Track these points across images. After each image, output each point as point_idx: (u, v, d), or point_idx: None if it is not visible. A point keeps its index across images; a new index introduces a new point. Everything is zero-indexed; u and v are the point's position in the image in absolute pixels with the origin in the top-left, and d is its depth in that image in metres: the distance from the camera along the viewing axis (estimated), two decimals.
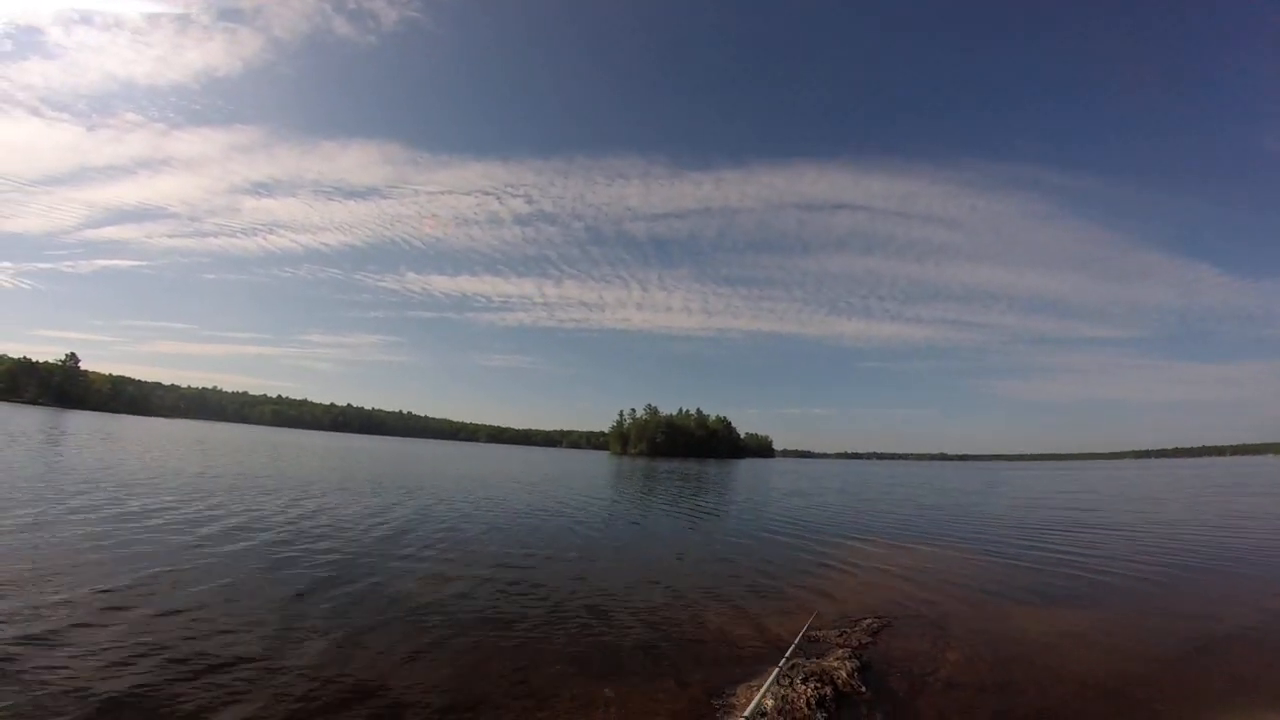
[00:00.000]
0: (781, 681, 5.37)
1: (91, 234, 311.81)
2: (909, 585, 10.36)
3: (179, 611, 6.71)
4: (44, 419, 63.71)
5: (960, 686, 5.75)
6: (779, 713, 4.83)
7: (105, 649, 5.51)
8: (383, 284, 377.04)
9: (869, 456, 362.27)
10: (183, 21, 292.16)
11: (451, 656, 6.00)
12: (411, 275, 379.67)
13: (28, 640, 5.56)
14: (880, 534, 16.97)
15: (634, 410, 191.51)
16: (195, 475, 21.73)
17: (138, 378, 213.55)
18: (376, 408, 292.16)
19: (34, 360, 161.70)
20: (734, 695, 5.27)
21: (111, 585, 7.46)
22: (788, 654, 5.81)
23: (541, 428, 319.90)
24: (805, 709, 4.91)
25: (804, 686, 5.26)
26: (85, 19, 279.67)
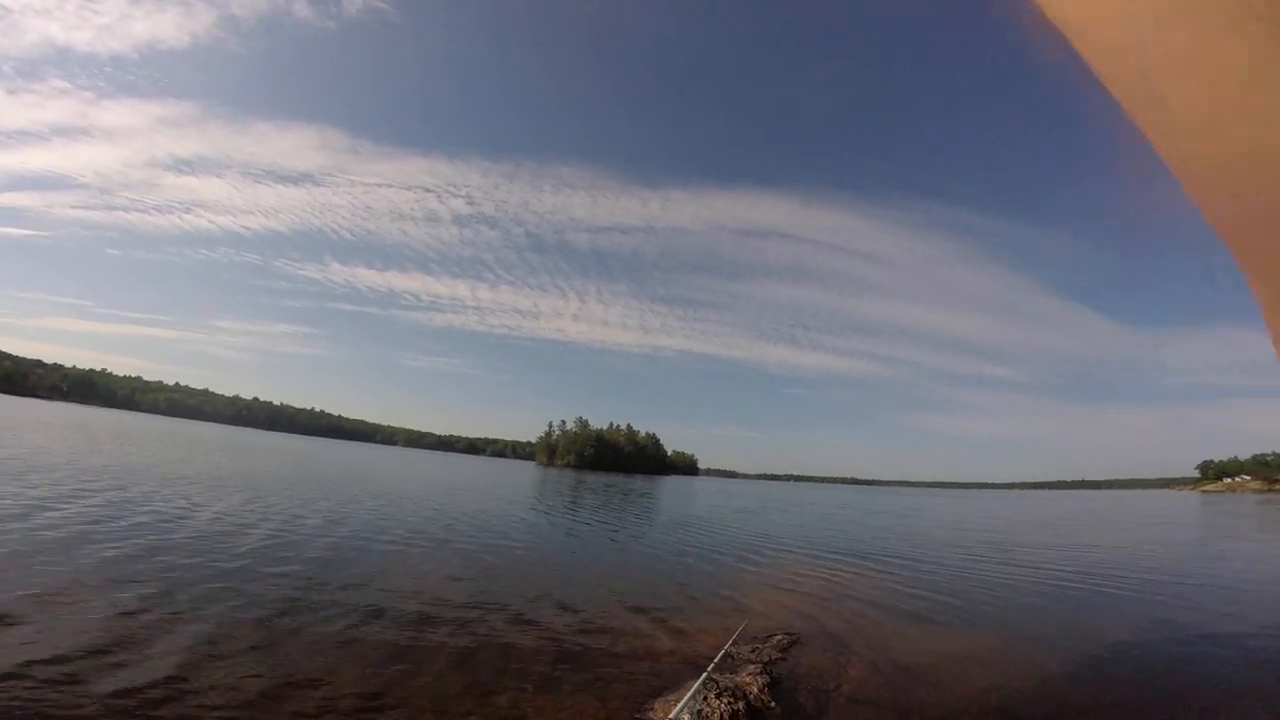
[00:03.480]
0: (697, 697, 5.52)
1: None
2: (821, 602, 10.80)
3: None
4: None
5: (861, 702, 6.09)
6: None
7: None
8: (304, 272, 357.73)
9: (787, 478, 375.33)
10: None
11: (361, 671, 5.75)
12: (336, 266, 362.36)
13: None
14: (805, 551, 17.66)
15: (564, 422, 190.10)
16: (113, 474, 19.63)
17: (16, 354, 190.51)
18: (286, 403, 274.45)
19: None
20: (653, 710, 5.36)
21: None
22: (709, 670, 5.96)
23: (464, 434, 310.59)
24: None
25: (718, 702, 5.42)
26: None
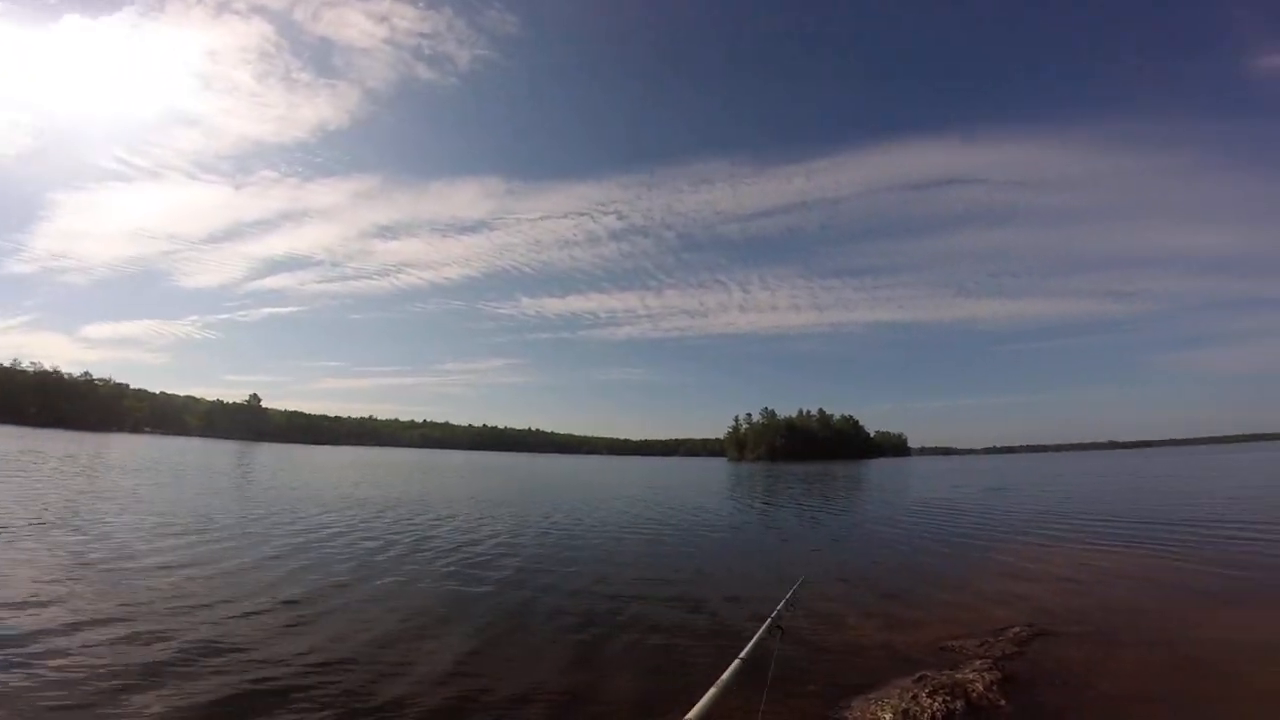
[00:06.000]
0: (903, 695, 4.93)
1: (255, 285, 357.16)
2: (1074, 588, 9.28)
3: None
4: (243, 451, 73.67)
5: (1123, 699, 4.97)
6: None
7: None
8: (501, 310, 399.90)
9: (1022, 450, 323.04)
10: (288, 81, 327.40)
11: (571, 661, 6.15)
12: (526, 300, 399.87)
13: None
14: (1056, 533, 15.28)
15: (749, 415, 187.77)
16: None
17: (307, 411, 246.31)
18: (508, 426, 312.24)
19: (225, 401, 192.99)
20: (849, 708, 4.90)
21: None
22: (770, 619, 5.31)
23: (657, 437, 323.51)
24: None
25: (930, 700, 4.80)
26: (207, 87, 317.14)
